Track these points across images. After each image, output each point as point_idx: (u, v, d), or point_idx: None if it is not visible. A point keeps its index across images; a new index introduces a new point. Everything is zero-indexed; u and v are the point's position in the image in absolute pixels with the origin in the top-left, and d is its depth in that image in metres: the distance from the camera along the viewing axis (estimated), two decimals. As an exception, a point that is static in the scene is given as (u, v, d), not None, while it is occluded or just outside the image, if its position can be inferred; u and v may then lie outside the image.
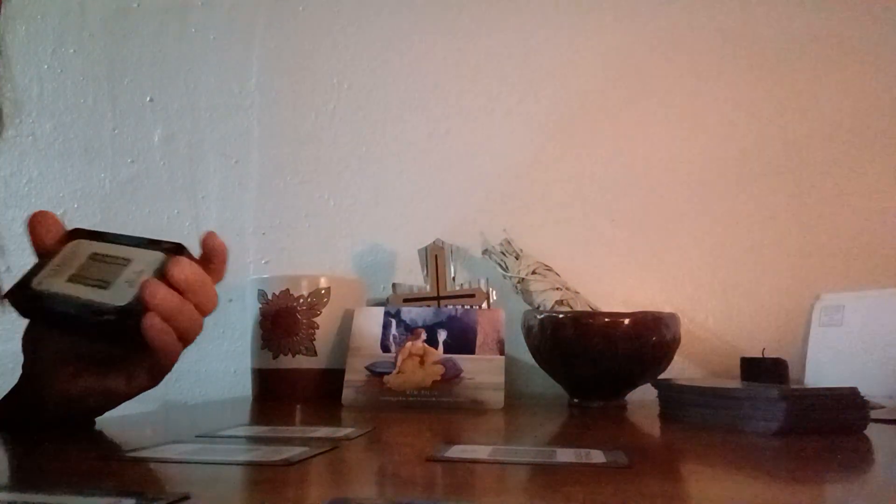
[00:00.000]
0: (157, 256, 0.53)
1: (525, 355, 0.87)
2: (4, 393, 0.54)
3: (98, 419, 0.56)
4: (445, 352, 0.81)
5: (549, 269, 0.93)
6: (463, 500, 0.32)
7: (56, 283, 0.50)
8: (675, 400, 0.66)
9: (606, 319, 0.78)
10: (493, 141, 1.07)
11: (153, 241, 0.55)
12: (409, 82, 1.09)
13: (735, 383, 0.79)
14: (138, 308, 0.49)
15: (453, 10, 1.09)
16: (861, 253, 1.00)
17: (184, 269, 0.52)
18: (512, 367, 0.92)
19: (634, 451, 0.45)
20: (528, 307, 0.90)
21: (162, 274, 0.51)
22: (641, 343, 0.77)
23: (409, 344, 0.82)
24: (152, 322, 0.50)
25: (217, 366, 1.09)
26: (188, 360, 1.08)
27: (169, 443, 0.46)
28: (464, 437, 0.58)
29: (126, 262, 0.53)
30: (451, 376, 0.79)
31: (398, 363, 0.80)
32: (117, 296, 0.50)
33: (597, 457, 0.41)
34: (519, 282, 0.91)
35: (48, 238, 0.53)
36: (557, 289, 0.89)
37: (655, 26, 1.06)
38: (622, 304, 1.00)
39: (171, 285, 0.51)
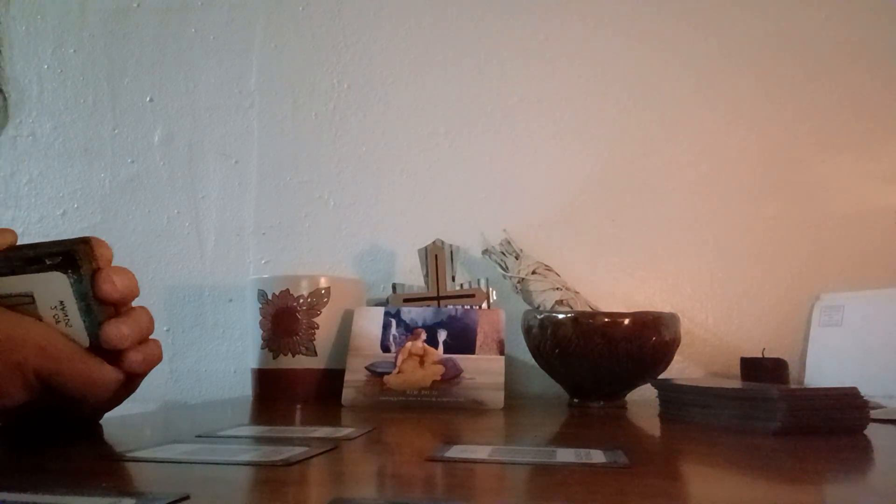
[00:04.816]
0: (57, 280, 0.48)
1: (525, 355, 0.87)
2: None
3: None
4: (445, 352, 0.81)
5: (549, 269, 0.93)
6: (463, 500, 0.32)
7: None
8: (675, 400, 0.66)
9: (606, 319, 0.78)
10: (493, 140, 1.07)
11: (29, 259, 0.48)
12: (409, 82, 1.09)
13: (735, 383, 0.79)
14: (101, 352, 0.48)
15: (453, 10, 1.09)
16: (861, 253, 1.00)
17: (116, 286, 0.49)
18: (512, 367, 0.92)
19: (634, 451, 0.45)
20: (528, 307, 0.90)
21: (84, 295, 0.48)
22: (641, 343, 0.77)
23: (409, 344, 0.82)
24: (135, 360, 0.50)
25: (217, 366, 1.09)
26: (188, 359, 1.09)
27: (169, 443, 0.46)
28: (464, 437, 0.58)
29: (29, 296, 0.48)
30: (451, 376, 0.79)
31: (398, 363, 0.80)
32: None
33: (597, 457, 0.41)
34: (519, 282, 0.91)
35: None
36: (557, 289, 0.89)
37: (657, 29, 1.06)
38: (622, 304, 1.00)
39: (105, 299, 0.49)
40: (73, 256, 0.48)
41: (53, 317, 0.48)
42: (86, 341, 0.49)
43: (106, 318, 0.49)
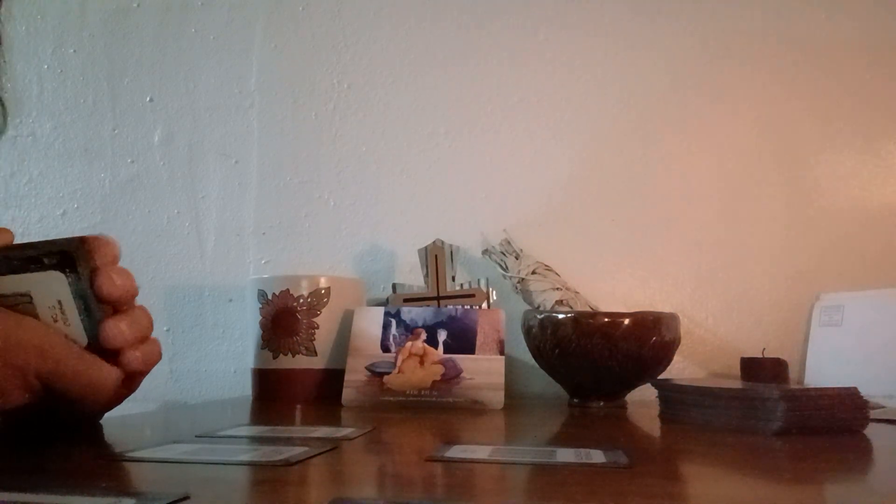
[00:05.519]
0: (55, 279, 0.48)
1: (525, 355, 0.87)
2: None
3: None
4: (445, 352, 0.81)
5: (549, 269, 0.93)
6: (463, 500, 0.32)
7: None
8: (675, 400, 0.66)
9: (606, 319, 0.78)
10: (493, 140, 1.07)
11: (27, 258, 0.48)
12: (409, 82, 1.09)
13: (735, 383, 0.79)
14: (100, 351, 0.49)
15: (453, 10, 1.09)
16: (861, 253, 1.00)
17: (115, 284, 0.49)
18: (512, 367, 0.92)
19: (634, 451, 0.45)
20: (528, 307, 0.90)
21: (83, 294, 0.48)
22: (641, 343, 0.77)
23: (409, 344, 0.82)
24: (134, 358, 0.50)
25: (217, 366, 1.09)
26: (188, 359, 1.10)
27: (169, 443, 0.46)
28: (464, 437, 0.58)
29: (27, 296, 0.48)
30: (451, 376, 0.79)
31: (398, 363, 0.80)
32: None
33: (597, 457, 0.41)
34: (519, 282, 0.91)
35: None
36: (557, 289, 0.89)
37: (657, 29, 1.06)
38: (622, 304, 1.00)
39: (104, 297, 0.49)
40: (71, 256, 0.48)
41: (52, 316, 0.48)
42: (84, 341, 0.49)
43: (104, 317, 0.49)
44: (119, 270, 0.50)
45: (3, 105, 0.69)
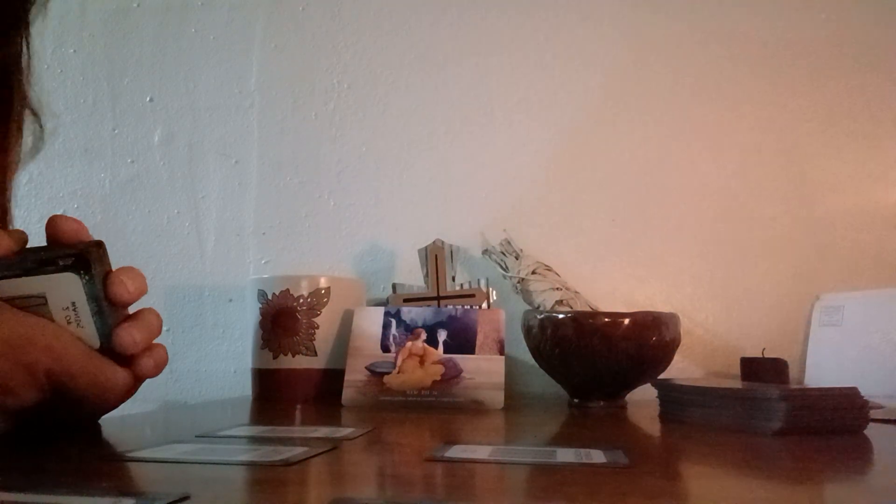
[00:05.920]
0: (70, 281, 0.48)
1: (525, 355, 0.87)
2: None
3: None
4: (445, 352, 0.81)
5: (549, 269, 0.93)
6: (463, 500, 0.32)
7: None
8: (675, 400, 0.66)
9: (606, 319, 0.78)
10: (494, 141, 1.07)
11: (42, 260, 0.48)
12: (409, 82, 1.09)
13: (735, 383, 0.79)
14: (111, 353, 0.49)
15: (453, 11, 1.09)
16: (861, 253, 1.00)
17: (128, 288, 0.49)
18: (512, 367, 0.92)
19: (634, 451, 0.45)
20: (528, 307, 0.90)
21: (96, 296, 0.48)
22: (641, 343, 0.77)
23: (409, 344, 0.82)
24: (147, 365, 0.50)
25: (217, 366, 1.09)
26: (188, 359, 1.09)
27: (169, 443, 0.46)
28: (464, 437, 0.58)
29: (42, 298, 0.48)
30: (451, 376, 0.79)
31: (398, 363, 0.80)
32: None
33: (597, 457, 0.41)
34: (519, 282, 0.91)
35: None
36: (557, 289, 0.89)
37: (658, 30, 1.06)
38: (622, 304, 1.00)
39: (117, 302, 0.49)
40: (86, 258, 0.48)
41: (65, 318, 0.48)
42: (96, 343, 0.49)
43: (117, 320, 0.49)
44: (132, 274, 0.50)
45: (38, 119, 0.68)
